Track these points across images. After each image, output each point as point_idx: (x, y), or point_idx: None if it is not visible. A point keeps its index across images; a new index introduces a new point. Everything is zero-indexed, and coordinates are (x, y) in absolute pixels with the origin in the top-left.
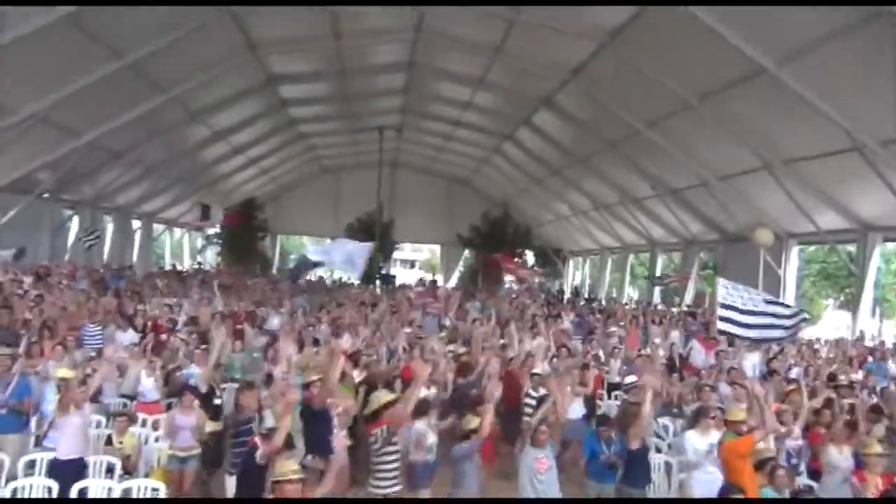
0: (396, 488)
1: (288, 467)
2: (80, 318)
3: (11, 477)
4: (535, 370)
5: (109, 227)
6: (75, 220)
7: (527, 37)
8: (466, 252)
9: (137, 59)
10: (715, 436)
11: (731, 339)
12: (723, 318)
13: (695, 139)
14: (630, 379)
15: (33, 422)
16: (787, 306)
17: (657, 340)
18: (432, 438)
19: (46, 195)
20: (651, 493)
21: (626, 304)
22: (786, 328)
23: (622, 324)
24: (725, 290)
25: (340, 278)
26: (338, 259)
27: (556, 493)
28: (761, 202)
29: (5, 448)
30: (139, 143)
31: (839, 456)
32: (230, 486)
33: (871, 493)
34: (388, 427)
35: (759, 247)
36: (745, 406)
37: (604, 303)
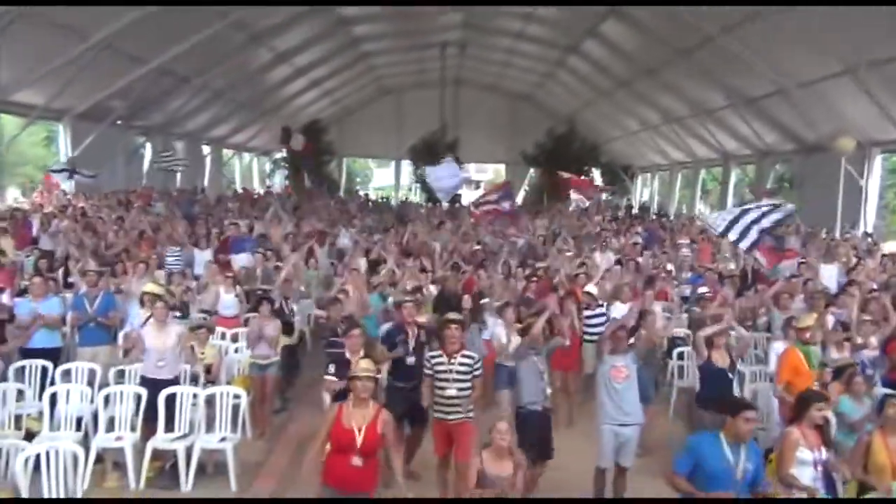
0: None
1: (361, 366)
2: (157, 240)
3: (103, 384)
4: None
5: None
6: (148, 146)
7: None
8: (532, 170)
9: None
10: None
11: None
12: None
13: (772, 44)
14: (702, 290)
15: (121, 335)
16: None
17: (728, 254)
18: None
19: (119, 122)
20: None
21: (697, 218)
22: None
23: (690, 240)
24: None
25: (406, 198)
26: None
27: (633, 405)
28: (842, 109)
29: (97, 359)
30: (205, 68)
31: None
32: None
33: None
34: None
35: (839, 156)
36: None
37: (673, 219)
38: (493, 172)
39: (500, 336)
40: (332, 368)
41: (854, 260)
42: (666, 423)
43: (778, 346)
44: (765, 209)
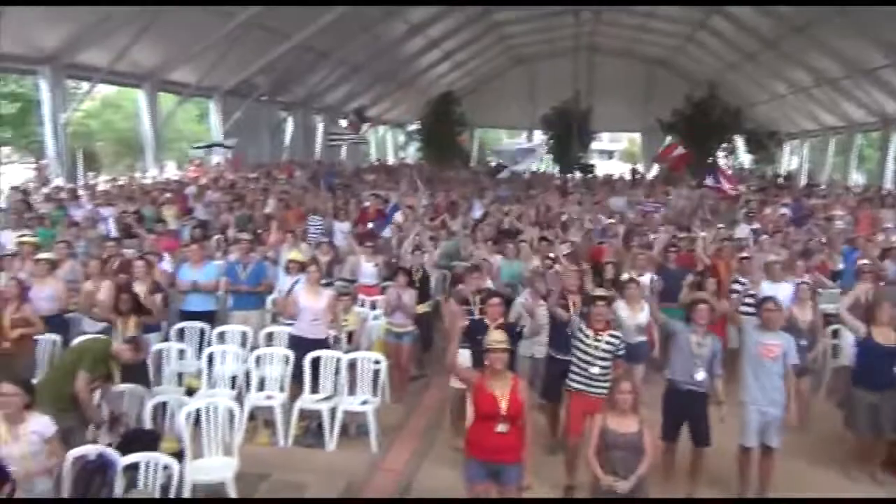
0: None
1: (494, 337)
2: (300, 210)
3: (254, 346)
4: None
5: (319, 126)
6: (290, 120)
7: None
8: (668, 138)
9: None
10: None
11: None
12: None
13: None
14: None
15: (268, 300)
16: None
17: (889, 225)
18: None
19: (263, 98)
20: None
21: (854, 187)
22: None
23: (846, 211)
24: None
25: (539, 168)
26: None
27: (776, 388)
28: None
29: (248, 322)
30: (343, 42)
31: None
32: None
33: None
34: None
35: None
36: None
37: (825, 188)
38: (627, 142)
39: (620, 312)
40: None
41: None
42: (818, 402)
43: None
44: None
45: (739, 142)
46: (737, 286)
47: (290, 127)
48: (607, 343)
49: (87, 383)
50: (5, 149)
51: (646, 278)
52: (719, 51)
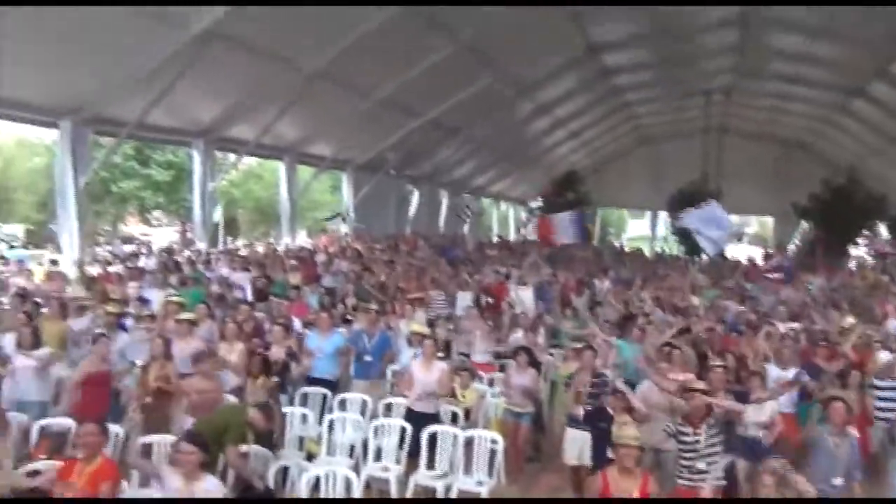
0: None
1: (625, 432)
2: (425, 284)
3: (373, 416)
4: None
5: (444, 201)
6: (416, 194)
7: None
8: (803, 224)
9: (468, 39)
10: None
11: None
12: None
13: None
14: None
15: (389, 371)
16: None
17: None
18: None
19: (392, 172)
20: None
21: None
22: None
23: None
24: None
25: (663, 249)
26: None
27: None
28: None
29: (369, 391)
30: (470, 120)
31: None
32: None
33: None
34: None
35: None
36: None
37: None
38: (758, 225)
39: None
40: None
41: None
42: None
43: None
44: None
45: (882, 229)
46: (880, 384)
47: (415, 200)
48: (709, 437)
49: (237, 455)
50: (157, 212)
51: (789, 373)
52: (860, 134)
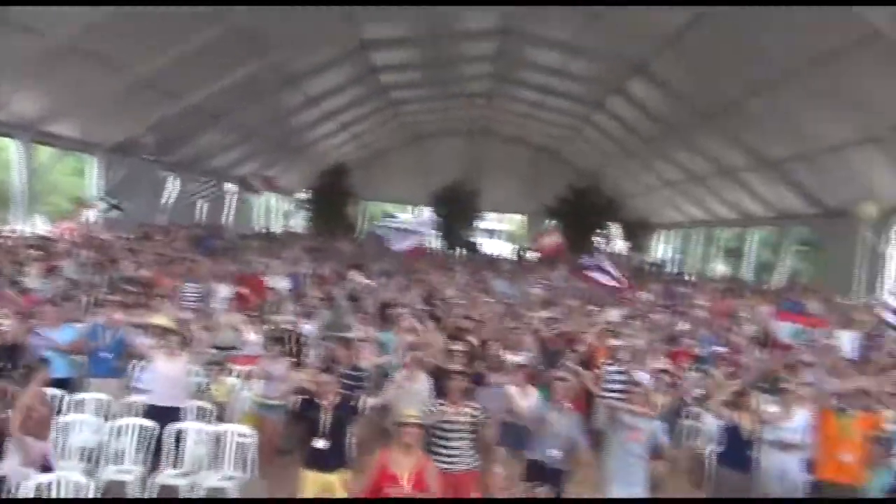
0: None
1: (409, 412)
2: (178, 275)
3: (111, 416)
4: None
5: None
6: (174, 181)
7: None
8: (550, 222)
9: (238, 22)
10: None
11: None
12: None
13: (797, 108)
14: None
15: (130, 369)
16: None
17: (743, 314)
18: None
19: (148, 157)
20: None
21: (715, 279)
22: None
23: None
24: None
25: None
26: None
27: (643, 469)
28: (865, 175)
29: (106, 390)
30: (235, 107)
31: None
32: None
33: None
34: None
35: (861, 222)
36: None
37: (691, 277)
38: (511, 223)
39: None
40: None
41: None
42: (675, 481)
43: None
44: None
45: (615, 230)
46: (608, 368)
47: (173, 187)
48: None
49: None
50: None
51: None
52: (602, 144)
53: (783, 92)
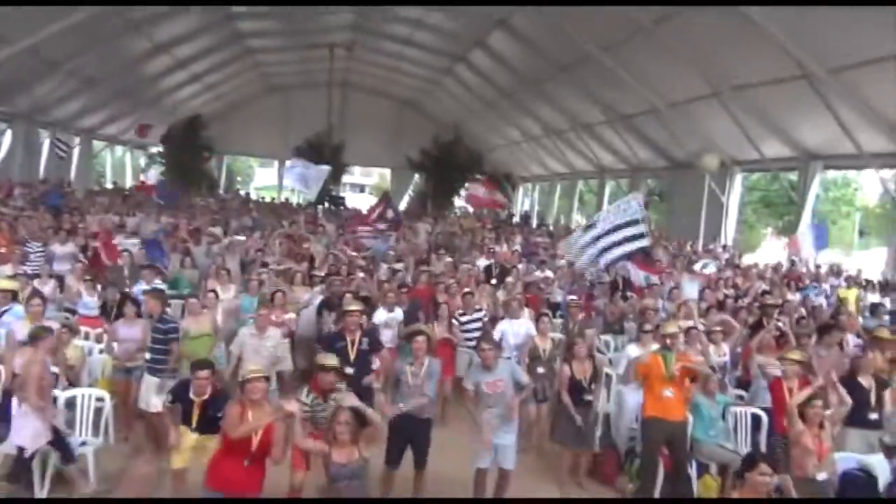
0: None
1: (250, 368)
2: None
3: None
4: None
5: (45, 143)
6: (8, 133)
7: None
8: (416, 176)
9: None
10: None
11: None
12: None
13: (647, 65)
14: (570, 298)
15: None
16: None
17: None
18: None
19: None
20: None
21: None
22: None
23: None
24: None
25: (287, 199)
26: (293, 178)
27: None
28: (709, 129)
29: None
30: (77, 53)
31: (764, 362)
32: (151, 385)
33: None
34: None
35: (704, 173)
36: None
37: (552, 228)
38: (378, 177)
39: None
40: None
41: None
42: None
43: (631, 350)
44: (617, 238)
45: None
46: (465, 317)
47: (7, 140)
48: None
49: None
50: None
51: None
52: (463, 97)
53: (632, 48)
